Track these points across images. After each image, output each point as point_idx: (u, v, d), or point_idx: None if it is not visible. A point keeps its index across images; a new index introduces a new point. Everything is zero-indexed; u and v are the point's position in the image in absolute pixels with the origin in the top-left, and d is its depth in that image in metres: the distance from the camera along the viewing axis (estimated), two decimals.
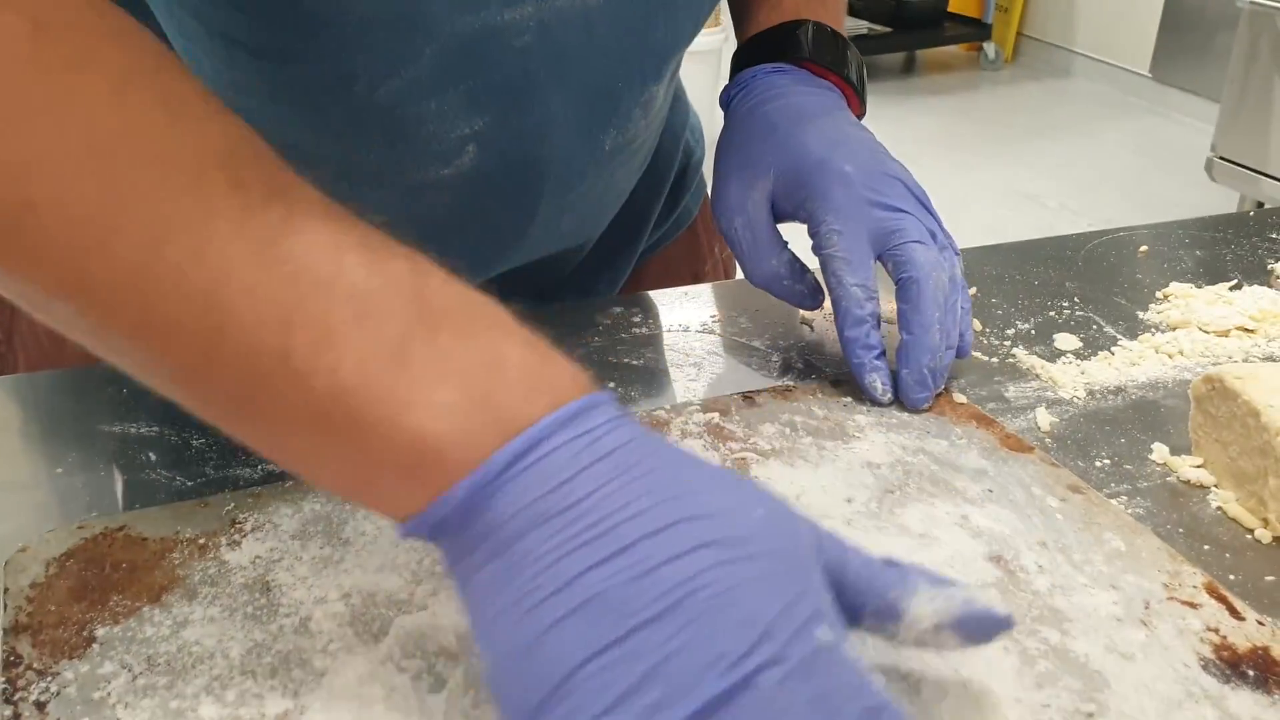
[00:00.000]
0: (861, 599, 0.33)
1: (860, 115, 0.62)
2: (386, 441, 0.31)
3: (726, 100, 0.62)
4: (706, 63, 2.91)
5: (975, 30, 4.26)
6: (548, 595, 0.29)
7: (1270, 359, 0.60)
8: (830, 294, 0.55)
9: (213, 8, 0.35)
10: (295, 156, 0.35)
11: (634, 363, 0.58)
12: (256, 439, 0.34)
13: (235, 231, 0.31)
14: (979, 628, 0.34)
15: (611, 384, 0.55)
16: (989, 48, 4.27)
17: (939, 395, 0.54)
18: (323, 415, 0.32)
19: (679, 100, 0.74)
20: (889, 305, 0.55)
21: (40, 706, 0.36)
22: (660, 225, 0.75)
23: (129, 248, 0.31)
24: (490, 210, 0.58)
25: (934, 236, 0.54)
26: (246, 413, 0.33)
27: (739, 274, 0.68)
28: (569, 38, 0.52)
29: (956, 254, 0.56)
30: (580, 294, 0.70)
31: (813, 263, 0.57)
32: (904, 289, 0.53)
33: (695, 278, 0.77)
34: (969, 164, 3.33)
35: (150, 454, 0.49)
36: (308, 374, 0.31)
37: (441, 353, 0.32)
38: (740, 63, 0.63)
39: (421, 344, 0.31)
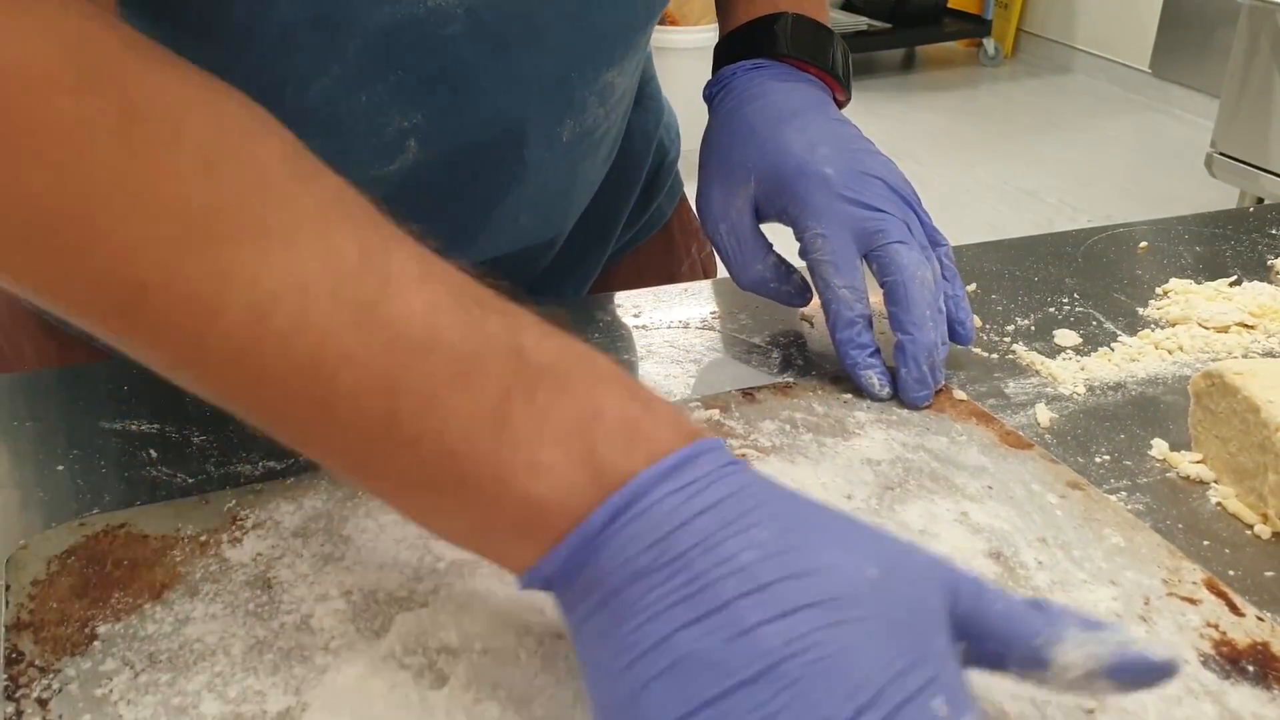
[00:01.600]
0: (1005, 646, 0.31)
1: (844, 104, 0.62)
2: (494, 502, 0.32)
3: (708, 98, 0.62)
4: (700, 59, 2.90)
5: (975, 26, 4.26)
6: (643, 652, 0.29)
7: (1270, 355, 0.60)
8: (820, 297, 0.55)
9: (139, 23, 0.36)
10: None
11: (634, 360, 0.58)
12: (379, 495, 0.36)
13: (333, 299, 0.32)
14: (1136, 674, 0.31)
15: None
16: (989, 44, 4.27)
17: (939, 391, 0.54)
18: (432, 478, 0.32)
19: (652, 99, 0.73)
20: (877, 297, 0.55)
21: (42, 703, 0.36)
22: (631, 225, 0.74)
23: (235, 323, 0.32)
24: (443, 206, 0.57)
25: (914, 232, 0.54)
26: (364, 473, 0.35)
27: (720, 273, 0.68)
28: (505, 24, 0.51)
29: (943, 245, 0.56)
30: (549, 294, 0.69)
31: (800, 262, 0.57)
32: (891, 291, 0.53)
33: (669, 279, 0.75)
34: (969, 160, 3.33)
35: (151, 451, 0.49)
36: (414, 439, 0.32)
37: (541, 410, 0.32)
38: (721, 59, 0.62)
39: (521, 403, 0.32)
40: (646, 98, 0.72)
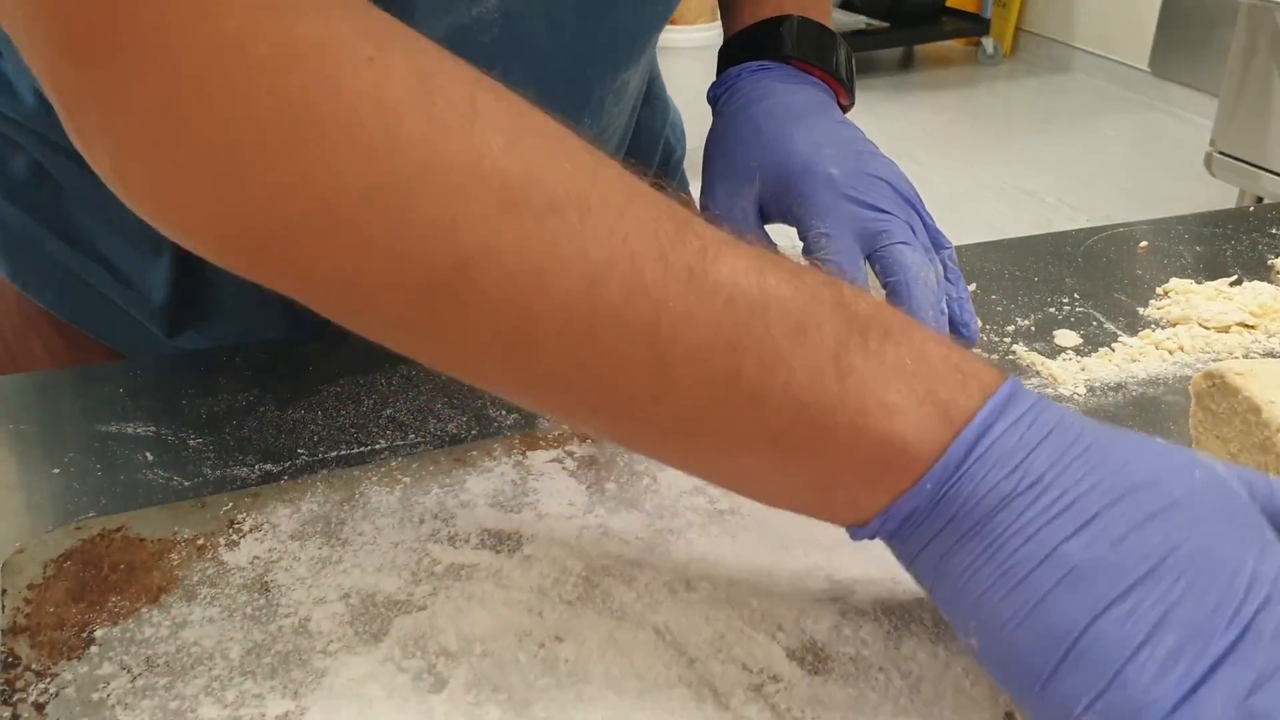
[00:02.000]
0: None
1: (848, 108, 0.62)
2: (848, 448, 0.33)
3: (713, 99, 0.62)
4: (702, 59, 2.90)
5: (973, 25, 4.25)
6: (1034, 568, 0.31)
7: (1270, 355, 0.60)
8: None
9: None
10: None
11: None
12: (699, 462, 0.36)
13: (662, 265, 0.33)
14: None
15: None
16: (987, 43, 4.27)
17: None
18: (778, 432, 0.33)
19: (658, 99, 0.73)
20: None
21: (39, 708, 0.36)
22: None
23: (564, 293, 0.32)
24: None
25: (917, 234, 0.54)
26: (693, 439, 0.35)
27: None
28: (532, 28, 0.51)
29: (947, 248, 0.56)
30: None
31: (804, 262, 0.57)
32: (894, 291, 0.53)
33: None
34: (967, 160, 3.33)
35: (147, 454, 0.49)
36: (761, 394, 0.33)
37: (878, 357, 0.33)
38: (726, 60, 0.62)
39: (858, 351, 0.33)
40: (653, 97, 0.72)
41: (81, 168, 0.52)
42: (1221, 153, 2.75)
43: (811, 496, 0.35)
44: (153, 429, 0.50)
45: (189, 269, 0.58)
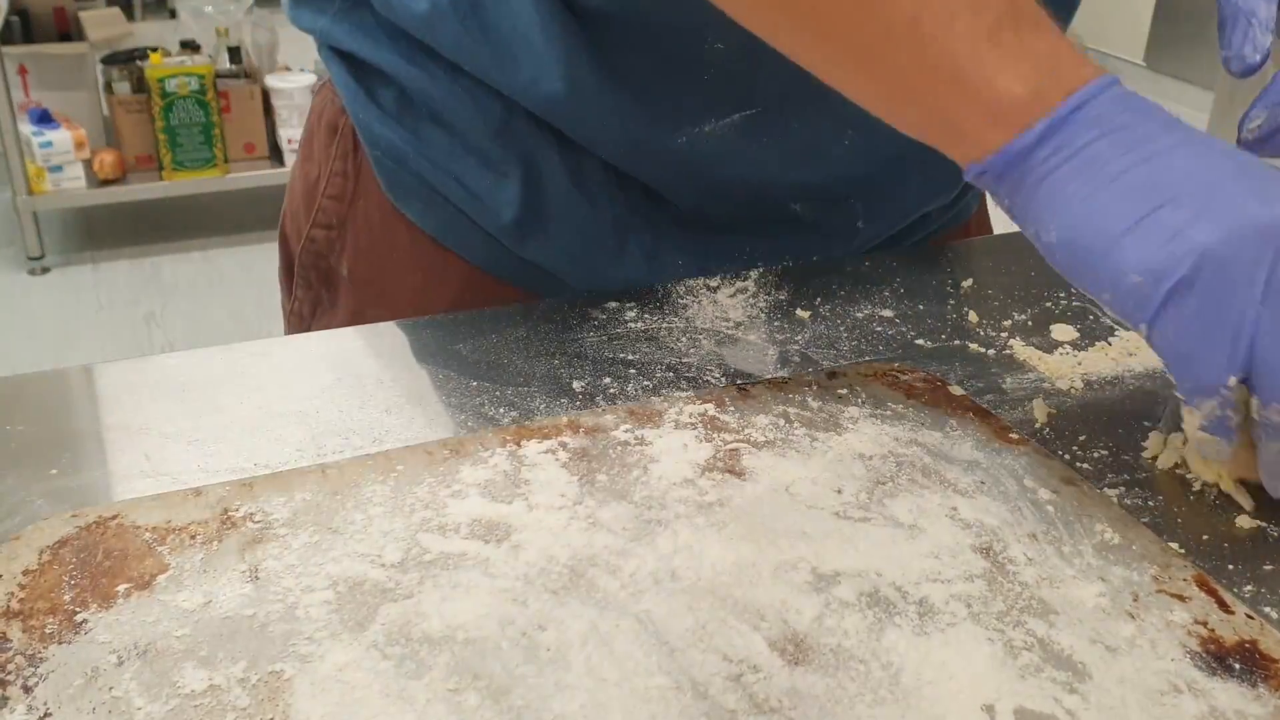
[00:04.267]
0: None
1: None
2: (980, 94, 0.44)
3: None
4: None
5: None
6: (1115, 177, 0.43)
7: None
8: None
9: None
10: None
11: (629, 357, 0.58)
12: (864, 87, 0.49)
13: None
14: None
15: (607, 379, 0.55)
16: None
17: (935, 387, 0.54)
18: (933, 69, 0.45)
19: None
20: None
21: (28, 690, 0.36)
22: (941, 215, 0.76)
23: None
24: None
25: None
26: (869, 67, 0.48)
27: None
28: None
29: None
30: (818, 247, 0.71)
31: None
32: None
33: None
34: None
35: (144, 452, 0.49)
36: (929, 39, 0.44)
37: (1024, 40, 0.44)
38: None
39: (1010, 31, 0.44)
40: None
41: (449, 95, 0.63)
42: None
43: (941, 128, 0.46)
44: (150, 424, 0.51)
45: (535, 188, 0.65)
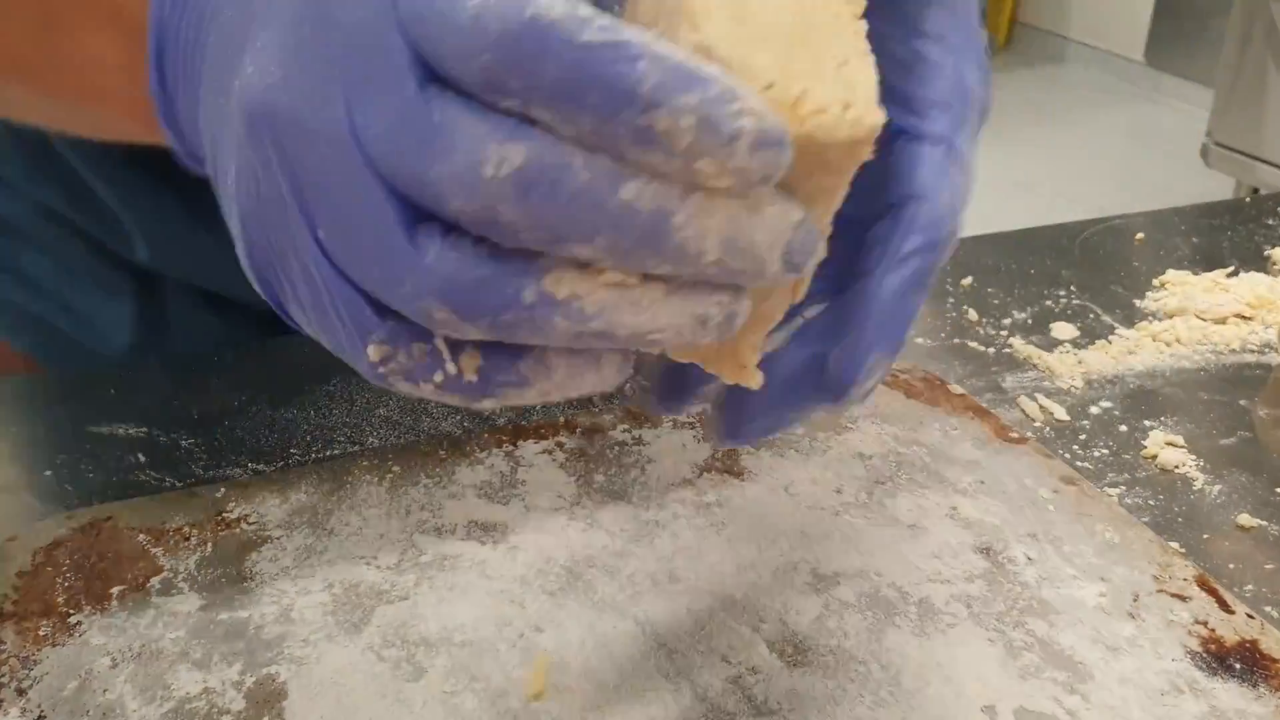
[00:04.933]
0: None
1: None
2: (111, 26, 0.33)
3: None
4: None
5: None
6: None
7: (1268, 346, 0.60)
8: None
9: None
10: None
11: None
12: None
13: None
14: None
15: None
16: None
17: (936, 385, 0.54)
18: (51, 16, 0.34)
19: None
20: None
21: (22, 693, 0.36)
22: None
23: None
24: None
25: None
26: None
27: None
28: None
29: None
30: None
31: None
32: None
33: None
34: None
35: (139, 455, 0.49)
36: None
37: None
38: None
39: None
40: None
41: (42, 219, 0.54)
42: (1218, 144, 2.75)
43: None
44: (144, 430, 0.50)
45: (150, 308, 0.59)
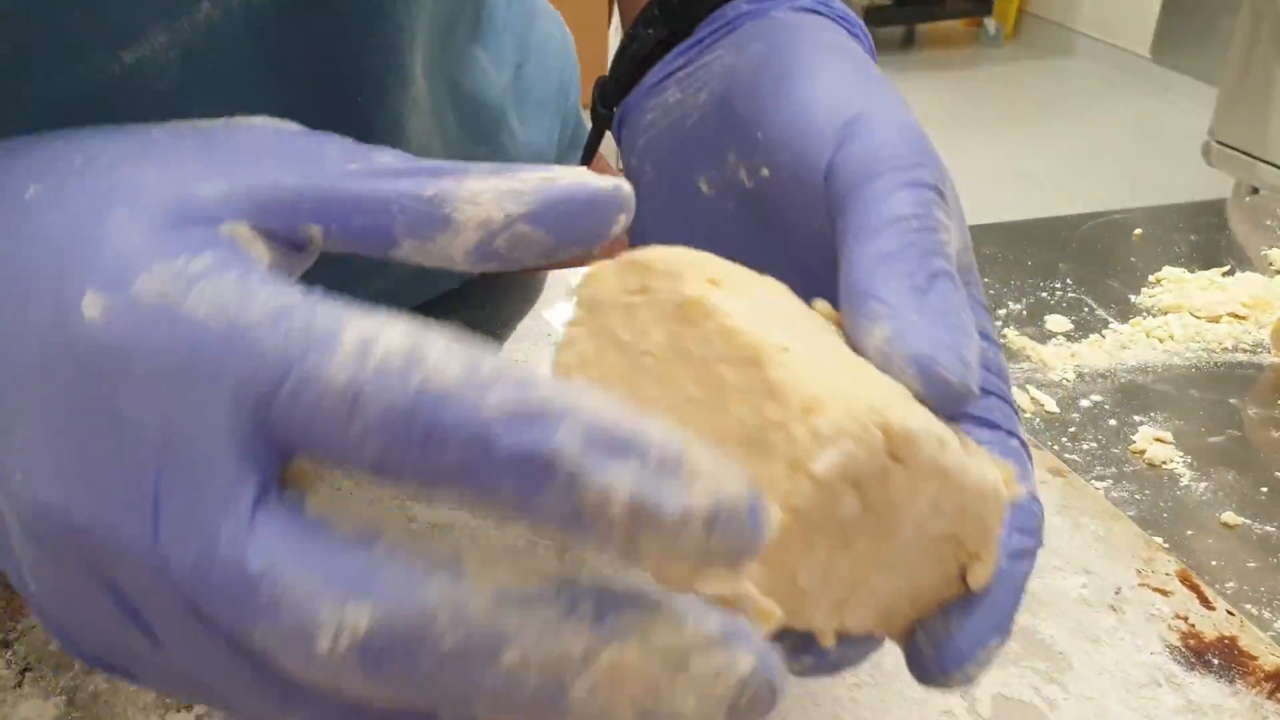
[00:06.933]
0: (381, 214, 0.23)
1: None
2: None
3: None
4: None
5: (976, 5, 4.22)
6: None
7: (1261, 346, 0.60)
8: None
9: None
10: None
11: None
12: None
13: None
14: (571, 213, 0.22)
15: None
16: (989, 24, 4.24)
17: None
18: None
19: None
20: None
21: (7, 645, 0.36)
22: None
23: None
24: None
25: None
26: None
27: None
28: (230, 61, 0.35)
29: None
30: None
31: None
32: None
33: None
34: (966, 142, 3.32)
35: None
36: None
37: None
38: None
39: None
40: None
41: None
42: (1220, 142, 2.75)
43: None
44: None
45: None
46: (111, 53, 0.31)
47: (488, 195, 0.22)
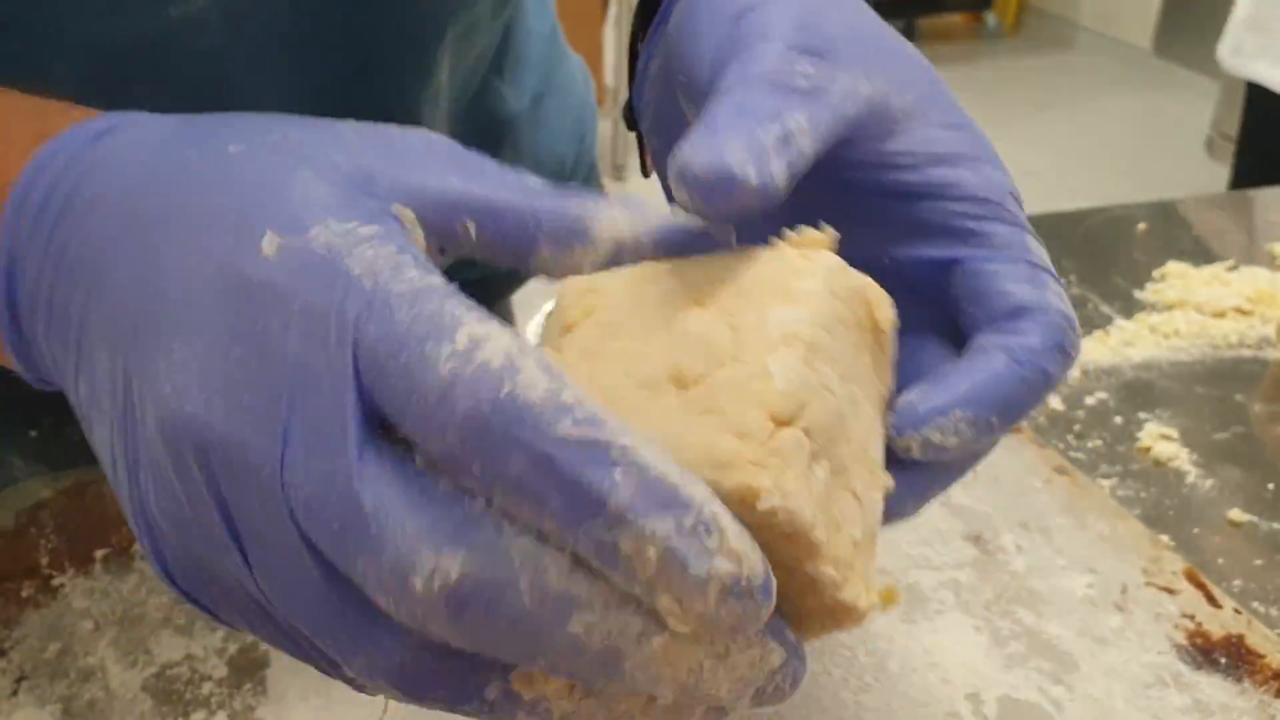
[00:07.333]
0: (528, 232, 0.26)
1: None
2: None
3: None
4: None
5: None
6: None
7: (1266, 342, 0.60)
8: None
9: None
10: None
11: None
12: None
13: None
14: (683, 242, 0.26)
15: None
16: (990, 18, 4.23)
17: None
18: None
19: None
20: None
21: (2, 654, 0.36)
22: None
23: None
24: None
25: None
26: None
27: None
28: (270, 29, 0.38)
29: None
30: None
31: None
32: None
33: None
34: None
35: None
36: None
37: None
38: None
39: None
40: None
41: None
42: (1223, 136, 2.74)
43: None
44: None
45: None
46: (159, 4, 0.34)
47: (622, 219, 0.26)
